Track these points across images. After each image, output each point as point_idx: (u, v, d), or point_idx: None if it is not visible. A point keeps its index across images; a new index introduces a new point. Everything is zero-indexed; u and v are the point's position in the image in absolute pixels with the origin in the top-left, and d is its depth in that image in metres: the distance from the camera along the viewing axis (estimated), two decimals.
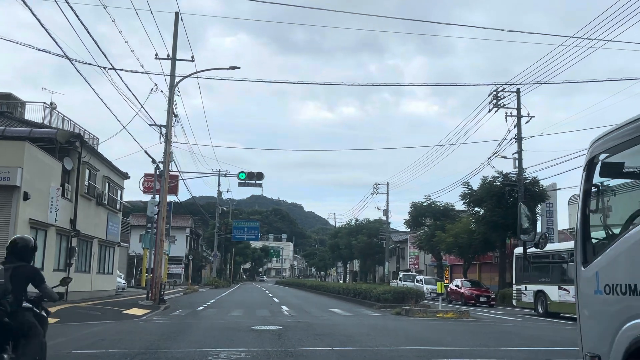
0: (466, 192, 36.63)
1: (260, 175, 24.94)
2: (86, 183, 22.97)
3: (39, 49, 21.84)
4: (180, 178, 26.12)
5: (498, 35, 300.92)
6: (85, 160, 22.46)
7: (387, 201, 61.34)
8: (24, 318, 4.90)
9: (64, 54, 14.29)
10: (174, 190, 49.44)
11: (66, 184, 21.18)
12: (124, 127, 21.12)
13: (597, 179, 4.26)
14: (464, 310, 17.26)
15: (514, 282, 23.95)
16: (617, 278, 3.67)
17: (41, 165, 18.49)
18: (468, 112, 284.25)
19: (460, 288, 27.81)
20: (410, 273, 46.59)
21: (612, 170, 4.14)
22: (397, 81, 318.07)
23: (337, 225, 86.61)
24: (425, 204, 45.20)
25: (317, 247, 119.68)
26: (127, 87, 16.56)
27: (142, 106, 20.90)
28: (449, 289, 29.64)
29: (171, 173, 24.21)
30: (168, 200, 54.71)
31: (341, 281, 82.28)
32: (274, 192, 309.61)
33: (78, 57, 29.30)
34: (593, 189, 4.30)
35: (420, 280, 38.22)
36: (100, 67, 17.03)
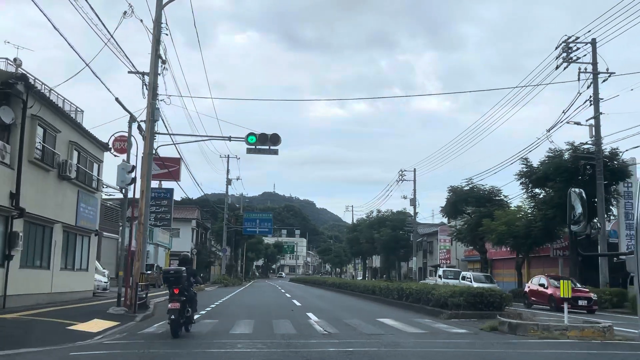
0: (524, 169, 30.07)
1: (275, 139, 18.54)
2: (38, 146, 16.74)
3: None
4: (173, 142, 19.74)
5: (511, 29, 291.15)
6: (35, 113, 16.22)
7: (415, 189, 54.78)
8: (191, 292, 11.08)
9: None
10: (175, 176, 43.29)
11: (4, 144, 14.98)
12: (87, 65, 14.81)
13: None
14: (605, 327, 10.76)
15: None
16: None
17: None
18: (480, 108, 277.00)
19: (547, 287, 21.21)
20: (453, 269, 40.00)
21: None
22: (407, 77, 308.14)
23: (354, 219, 79.95)
24: (466, 188, 38.59)
25: (332, 242, 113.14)
26: (92, 9, 11.39)
27: (111, 36, 14.68)
28: (527, 289, 23.19)
29: (158, 134, 17.92)
30: (168, 186, 48.60)
31: (359, 278, 75.86)
32: (286, 189, 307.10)
33: None
34: None
35: (468, 277, 31.64)
36: None
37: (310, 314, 16.11)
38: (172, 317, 9.96)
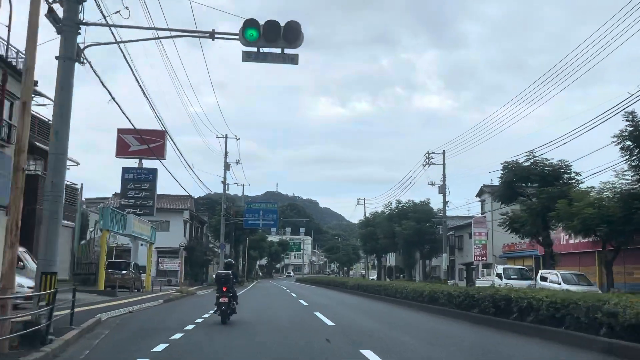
0: (629, 127, 21.84)
1: (293, 31, 10.30)
2: None
3: None
4: (116, 41, 11.32)
5: (513, 27, 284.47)
6: None
7: (444, 174, 46.42)
8: (234, 290, 13.32)
9: None
10: (158, 152, 35.08)
11: None
12: None
13: None
14: None
15: None
16: None
17: None
18: (483, 105, 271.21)
19: None
20: (516, 267, 31.65)
21: None
22: (408, 75, 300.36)
23: (367, 213, 71.28)
24: (526, 163, 30.21)
25: (340, 240, 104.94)
26: None
27: None
28: None
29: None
30: (150, 166, 39.77)
31: (372, 278, 67.53)
32: (289, 189, 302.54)
33: None
34: None
35: (553, 278, 23.35)
36: None
37: (371, 356, 7.86)
38: (223, 308, 12.66)
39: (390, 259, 70.14)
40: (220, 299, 12.71)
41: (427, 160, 47.40)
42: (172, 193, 49.42)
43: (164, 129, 27.61)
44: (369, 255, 75.81)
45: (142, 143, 33.66)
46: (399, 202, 57.41)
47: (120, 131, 35.28)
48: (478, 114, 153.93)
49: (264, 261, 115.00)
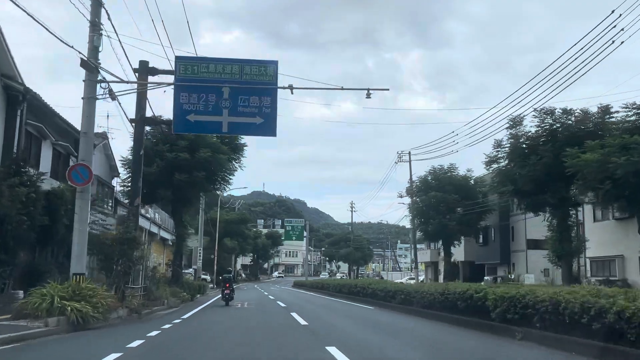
0: None
1: None
2: None
3: None
4: None
5: (499, 25, 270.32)
6: None
7: None
8: (232, 285, 23.15)
9: None
10: None
11: None
12: None
13: None
14: None
15: None
16: None
17: None
18: (468, 106, 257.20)
19: None
20: None
21: None
22: (393, 76, 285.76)
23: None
24: None
25: (352, 234, 79.31)
26: None
27: None
28: None
29: None
30: None
31: (406, 280, 44.36)
32: (276, 189, 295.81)
33: None
34: None
35: None
36: None
37: None
38: (226, 295, 22.05)
39: (457, 251, 43.69)
40: (225, 291, 22.27)
41: None
42: None
43: None
44: (434, 242, 47.24)
45: None
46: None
47: None
48: (464, 115, 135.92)
49: (248, 260, 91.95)
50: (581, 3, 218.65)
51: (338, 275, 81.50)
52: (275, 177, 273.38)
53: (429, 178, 34.73)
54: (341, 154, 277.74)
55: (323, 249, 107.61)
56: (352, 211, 76.52)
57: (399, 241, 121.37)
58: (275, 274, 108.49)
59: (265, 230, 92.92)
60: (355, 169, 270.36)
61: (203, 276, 62.45)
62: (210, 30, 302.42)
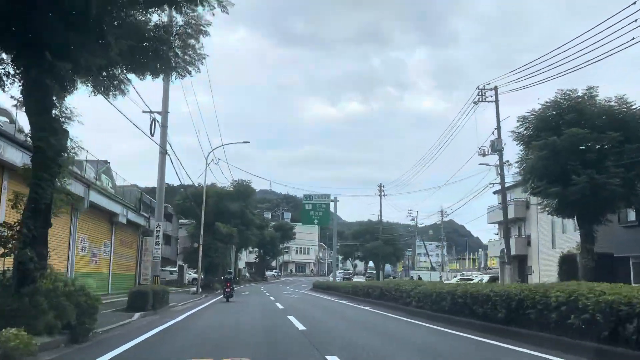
0: None
1: None
2: None
3: None
4: None
5: (506, 23, 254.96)
6: None
7: None
8: (233, 285, 26.78)
9: None
10: None
11: None
12: None
13: None
14: None
15: None
16: None
17: None
18: (476, 107, 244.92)
19: None
20: None
21: None
22: (399, 74, 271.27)
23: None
24: None
25: (381, 224, 63.14)
26: None
27: None
28: None
29: None
30: None
31: (458, 280, 30.22)
32: (282, 188, 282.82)
33: None
34: None
35: None
36: None
37: None
38: (227, 293, 25.38)
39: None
40: (227, 289, 25.58)
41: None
42: None
43: None
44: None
45: None
46: None
47: None
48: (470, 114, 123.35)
49: (253, 257, 77.93)
50: (589, 2, 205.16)
51: (355, 278, 62.26)
52: (281, 177, 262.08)
53: (553, 112, 20.30)
54: (346, 154, 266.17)
55: (340, 243, 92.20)
56: (380, 195, 62.40)
57: (417, 239, 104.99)
58: (271, 273, 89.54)
59: (273, 223, 78.76)
60: (361, 169, 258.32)
61: (193, 275, 48.31)
62: (215, 27, 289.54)
